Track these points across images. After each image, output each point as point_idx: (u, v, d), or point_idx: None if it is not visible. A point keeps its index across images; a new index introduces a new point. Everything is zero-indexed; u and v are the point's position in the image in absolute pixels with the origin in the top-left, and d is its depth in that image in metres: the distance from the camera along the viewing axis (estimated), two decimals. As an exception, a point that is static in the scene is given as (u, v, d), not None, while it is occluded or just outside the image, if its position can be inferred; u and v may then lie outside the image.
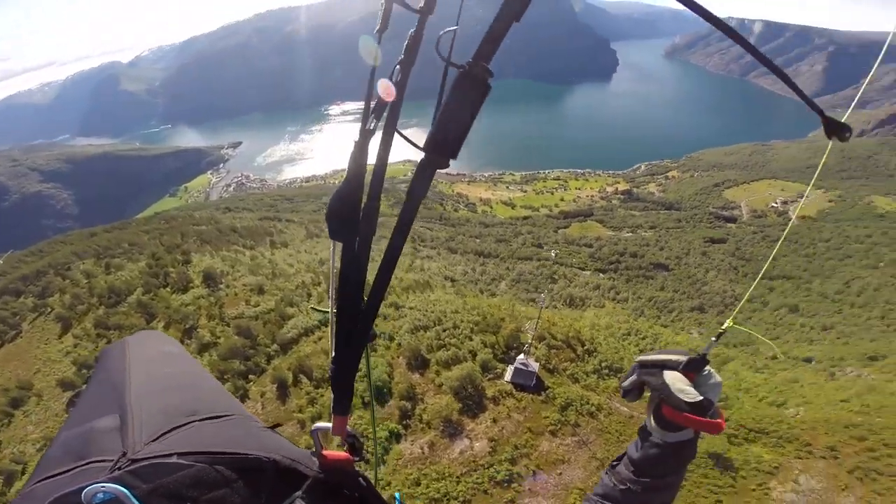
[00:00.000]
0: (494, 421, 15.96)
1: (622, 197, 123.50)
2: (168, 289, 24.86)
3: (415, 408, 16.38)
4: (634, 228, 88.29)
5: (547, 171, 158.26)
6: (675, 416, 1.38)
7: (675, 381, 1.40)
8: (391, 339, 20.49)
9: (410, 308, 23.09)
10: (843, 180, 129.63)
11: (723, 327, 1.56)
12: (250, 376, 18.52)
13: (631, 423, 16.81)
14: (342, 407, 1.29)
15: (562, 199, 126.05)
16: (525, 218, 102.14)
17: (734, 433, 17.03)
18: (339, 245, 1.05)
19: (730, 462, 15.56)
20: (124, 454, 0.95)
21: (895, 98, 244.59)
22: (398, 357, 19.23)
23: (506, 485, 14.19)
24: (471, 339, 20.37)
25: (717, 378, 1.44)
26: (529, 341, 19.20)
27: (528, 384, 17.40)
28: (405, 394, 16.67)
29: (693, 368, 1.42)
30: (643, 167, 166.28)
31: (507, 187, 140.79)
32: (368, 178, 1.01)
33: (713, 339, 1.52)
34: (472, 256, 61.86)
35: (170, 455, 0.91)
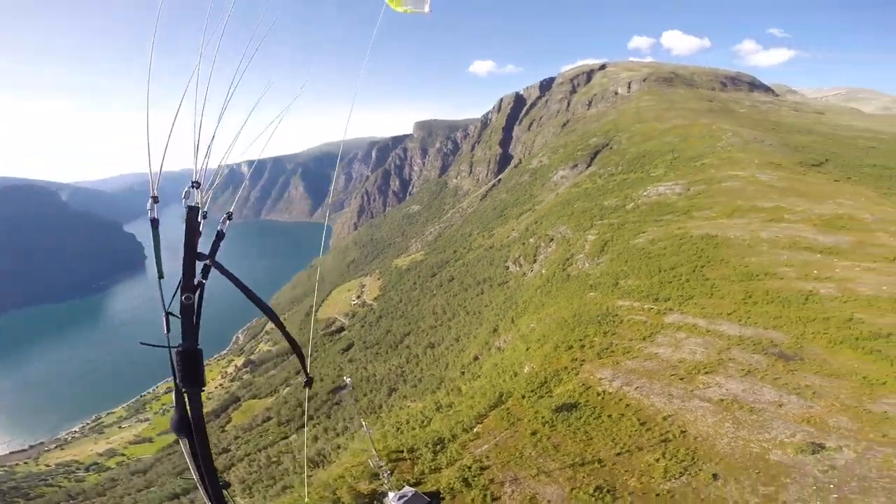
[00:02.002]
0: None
1: (247, 369, 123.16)
2: None
3: None
4: (286, 383, 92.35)
5: (153, 388, 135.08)
6: None
7: None
8: None
9: None
10: (369, 262, 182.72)
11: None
12: None
13: (500, 449, 19.90)
14: None
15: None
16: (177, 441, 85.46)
17: (542, 395, 23.33)
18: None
19: (570, 405, 21.36)
20: None
21: (353, 191, 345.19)
22: None
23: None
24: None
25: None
26: (385, 479, 18.78)
27: None
28: None
29: None
30: (241, 336, 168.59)
31: (120, 427, 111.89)
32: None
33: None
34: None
35: None
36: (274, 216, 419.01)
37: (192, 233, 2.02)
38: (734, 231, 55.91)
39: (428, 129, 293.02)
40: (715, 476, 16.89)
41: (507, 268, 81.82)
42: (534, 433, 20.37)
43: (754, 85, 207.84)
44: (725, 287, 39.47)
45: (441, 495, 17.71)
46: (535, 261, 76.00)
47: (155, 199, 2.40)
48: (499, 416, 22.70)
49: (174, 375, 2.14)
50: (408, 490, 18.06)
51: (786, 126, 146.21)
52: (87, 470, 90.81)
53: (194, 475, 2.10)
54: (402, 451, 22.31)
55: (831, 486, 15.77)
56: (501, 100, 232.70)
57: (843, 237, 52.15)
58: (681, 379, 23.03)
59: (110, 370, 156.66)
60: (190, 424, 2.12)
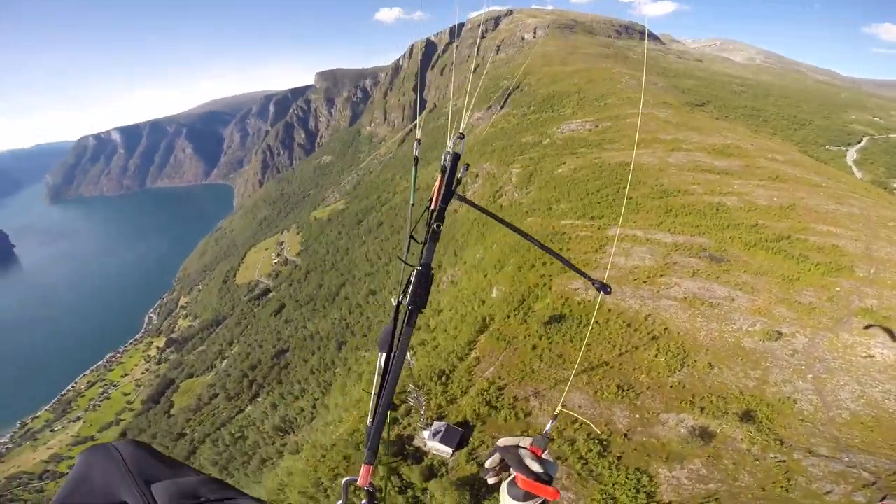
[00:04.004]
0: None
1: (171, 349, 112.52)
2: None
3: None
4: (220, 356, 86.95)
5: (72, 385, 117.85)
6: (525, 483, 1.77)
7: (527, 456, 1.85)
8: None
9: None
10: (283, 218, 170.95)
11: (556, 411, 2.28)
12: None
13: (507, 368, 19.73)
14: (370, 458, 1.94)
15: (124, 394, 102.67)
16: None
17: (525, 311, 23.15)
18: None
19: (558, 317, 22.02)
20: None
21: (252, 147, 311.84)
22: None
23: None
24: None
25: (554, 461, 1.92)
26: (423, 410, 18.01)
27: (455, 441, 16.85)
28: None
29: (540, 445, 1.89)
30: (154, 317, 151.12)
31: (52, 430, 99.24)
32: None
33: (551, 420, 2.15)
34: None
35: None
36: (162, 183, 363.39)
37: (452, 174, 2.30)
38: (644, 158, 60.45)
39: (333, 78, 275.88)
40: (711, 365, 18.90)
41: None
42: (534, 348, 20.73)
43: (645, 33, 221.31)
44: (648, 203, 42.86)
45: (470, 423, 17.47)
46: (464, 197, 76.06)
47: (419, 142, 2.99)
48: (491, 338, 22.63)
49: (403, 293, 2.38)
50: (440, 424, 17.35)
51: (672, 71, 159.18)
52: (40, 479, 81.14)
53: (374, 389, 2.30)
54: (408, 391, 21.50)
55: (802, 367, 18.42)
56: (412, 46, 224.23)
57: (734, 161, 58.99)
58: (644, 282, 24.69)
59: (10, 376, 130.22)
60: (393, 342, 2.38)
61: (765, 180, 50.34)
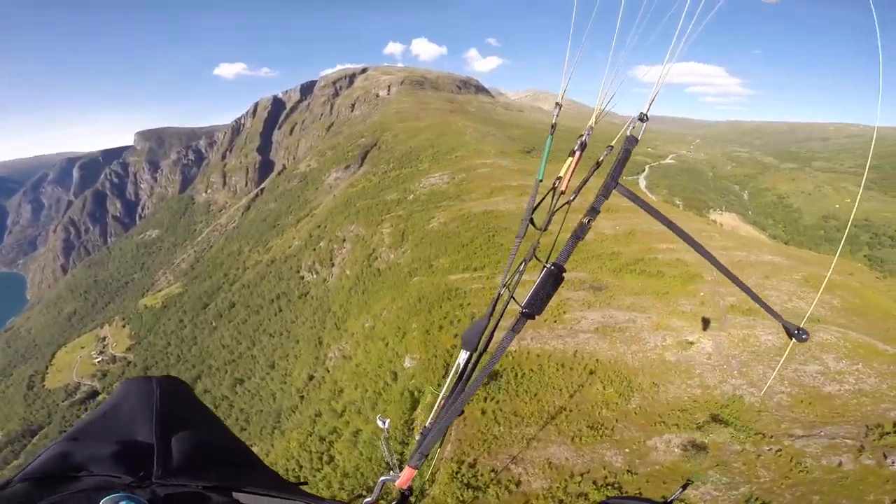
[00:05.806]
0: None
1: None
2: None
3: None
4: None
5: None
6: None
7: None
8: None
9: None
10: (100, 310, 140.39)
11: (688, 480, 2.93)
12: None
13: (467, 441, 16.67)
14: (418, 462, 1.71)
15: None
16: None
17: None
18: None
19: (492, 374, 20.14)
20: (146, 475, 1.01)
21: (49, 222, 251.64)
22: None
23: None
24: None
25: None
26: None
27: None
28: None
29: None
30: None
31: None
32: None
33: (679, 489, 1.94)
34: None
35: (193, 485, 1.00)
36: None
37: (624, 161, 1.84)
38: (502, 205, 65.33)
39: (157, 138, 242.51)
40: (655, 385, 18.97)
41: (303, 277, 74.69)
42: (483, 412, 18.61)
43: (479, 88, 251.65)
44: (519, 247, 45.51)
45: None
46: (332, 264, 71.68)
47: (559, 107, 2.54)
48: (429, 412, 19.41)
49: (504, 285, 2.02)
50: None
51: (503, 122, 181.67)
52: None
53: (443, 390, 1.92)
54: (364, 494, 16.86)
55: (724, 366, 19.66)
56: (257, 103, 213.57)
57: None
58: (554, 322, 24.81)
59: None
60: (479, 341, 1.95)
61: (603, 213, 58.20)
